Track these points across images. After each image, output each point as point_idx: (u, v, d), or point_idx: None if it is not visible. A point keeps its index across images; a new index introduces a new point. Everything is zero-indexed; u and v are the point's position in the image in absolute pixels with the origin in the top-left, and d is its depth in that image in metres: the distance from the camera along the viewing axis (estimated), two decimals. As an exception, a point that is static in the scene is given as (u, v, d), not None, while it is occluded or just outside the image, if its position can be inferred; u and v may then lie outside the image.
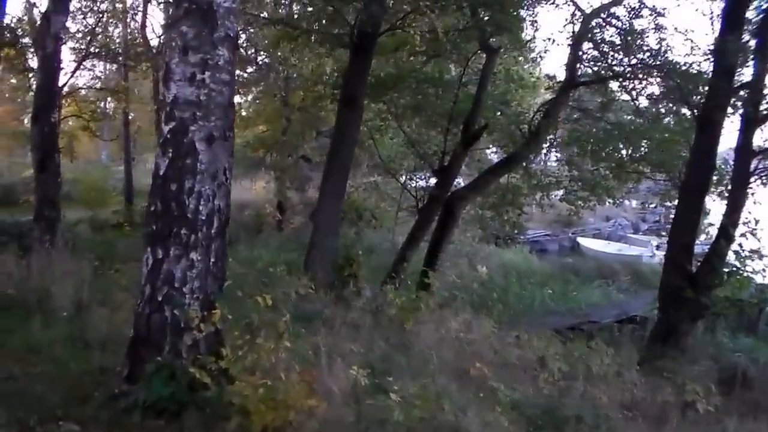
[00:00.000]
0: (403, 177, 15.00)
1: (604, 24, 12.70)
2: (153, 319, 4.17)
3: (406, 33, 11.13)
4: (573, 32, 12.49)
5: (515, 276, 15.06)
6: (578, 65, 13.02)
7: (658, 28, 11.60)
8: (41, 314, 6.80)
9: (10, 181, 20.70)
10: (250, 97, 24.93)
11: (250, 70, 22.76)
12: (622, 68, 12.58)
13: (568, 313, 11.91)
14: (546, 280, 15.18)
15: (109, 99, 20.22)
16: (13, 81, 27.29)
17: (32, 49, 16.94)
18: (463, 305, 8.61)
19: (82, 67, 17.23)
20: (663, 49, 11.54)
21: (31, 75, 17.29)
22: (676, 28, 12.89)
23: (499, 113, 12.85)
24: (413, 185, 12.53)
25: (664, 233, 35.13)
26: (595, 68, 13.14)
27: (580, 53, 12.97)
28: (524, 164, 12.88)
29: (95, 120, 18.09)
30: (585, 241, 26.12)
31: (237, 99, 26.10)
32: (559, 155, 14.52)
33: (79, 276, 8.10)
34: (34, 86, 17.60)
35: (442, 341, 6.24)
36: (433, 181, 14.17)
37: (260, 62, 22.45)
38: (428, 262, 11.65)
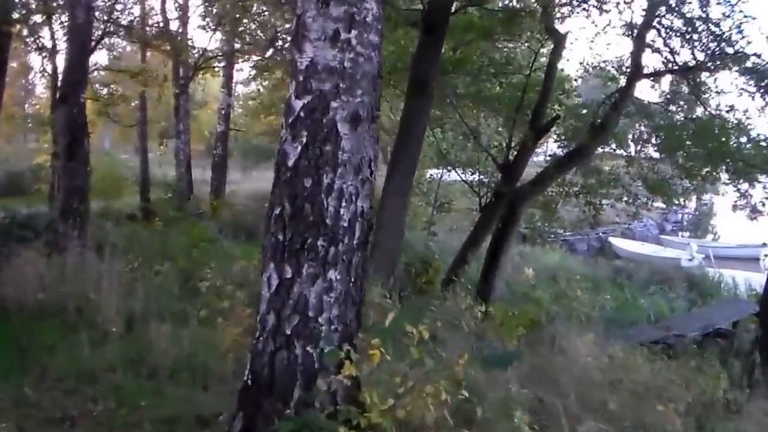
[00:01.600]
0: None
1: (671, 11, 11.72)
2: (278, 359, 3.15)
3: (477, 12, 10.09)
4: (631, 21, 11.49)
5: (565, 280, 14.09)
6: (643, 54, 12.05)
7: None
8: (85, 328, 5.79)
9: (18, 168, 19.62)
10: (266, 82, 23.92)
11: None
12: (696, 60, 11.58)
13: (644, 324, 10.93)
14: (599, 285, 14.18)
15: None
16: (13, 65, 26.21)
17: (47, 27, 15.89)
18: (548, 316, 7.61)
19: (99, 46, 16.12)
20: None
21: (44, 55, 16.21)
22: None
23: (561, 106, 11.83)
24: (475, 180, 11.49)
25: (686, 233, 34.45)
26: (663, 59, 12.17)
27: (647, 42, 11.98)
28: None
29: (113, 104, 17.00)
30: (617, 242, 25.07)
31: (254, 86, 25.13)
32: (621, 151, 13.50)
33: (119, 280, 7.09)
34: (48, 67, 16.59)
35: (573, 367, 5.23)
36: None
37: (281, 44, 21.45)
38: (489, 265, 10.67)
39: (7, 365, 5.07)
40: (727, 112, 10.89)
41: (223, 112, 20.19)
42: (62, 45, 16.05)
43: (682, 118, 12.40)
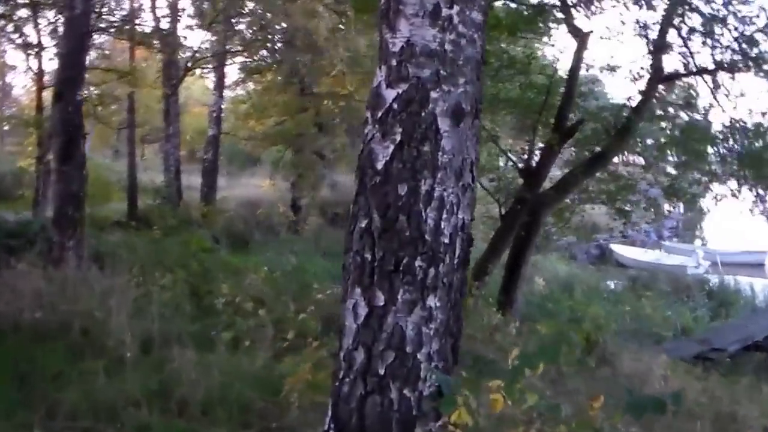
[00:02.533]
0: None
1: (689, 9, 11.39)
2: (370, 405, 2.61)
3: (503, 7, 9.65)
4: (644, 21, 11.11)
5: (579, 290, 13.71)
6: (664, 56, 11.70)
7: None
8: (94, 352, 5.20)
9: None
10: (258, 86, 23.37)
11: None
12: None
13: (674, 337, 10.53)
14: (617, 296, 13.77)
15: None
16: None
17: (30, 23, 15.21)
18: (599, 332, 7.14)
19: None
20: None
21: (30, 52, 15.49)
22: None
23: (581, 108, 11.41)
24: (493, 186, 11.00)
25: (677, 239, 34.30)
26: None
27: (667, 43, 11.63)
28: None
29: (102, 105, 16.27)
30: (619, 249, 24.73)
31: (239, 90, 24.43)
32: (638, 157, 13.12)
33: (124, 294, 6.50)
34: (34, 65, 15.87)
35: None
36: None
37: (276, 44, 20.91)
38: (510, 276, 10.20)
39: (8, 398, 4.47)
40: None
41: (214, 114, 19.58)
42: (47, 41, 15.43)
43: (703, 121, 12.10)
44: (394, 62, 2.69)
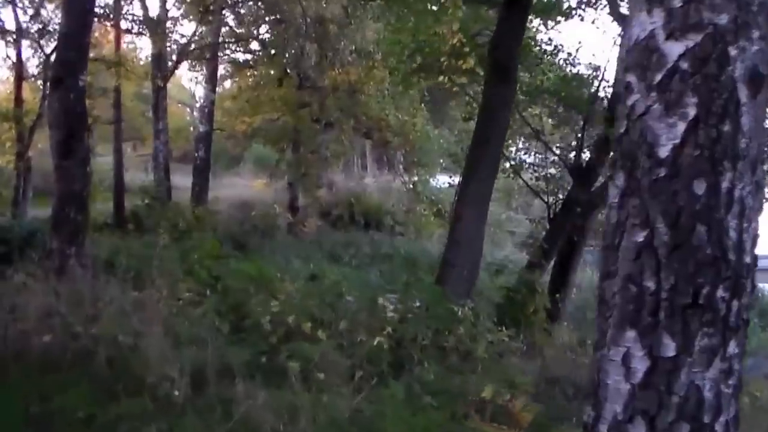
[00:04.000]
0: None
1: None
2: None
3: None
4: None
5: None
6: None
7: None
8: (127, 388, 4.31)
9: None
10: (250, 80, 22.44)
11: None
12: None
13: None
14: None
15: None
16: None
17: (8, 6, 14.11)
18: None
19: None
20: None
21: (7, 40, 14.38)
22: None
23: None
24: (540, 186, 10.24)
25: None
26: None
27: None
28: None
29: (90, 98, 15.13)
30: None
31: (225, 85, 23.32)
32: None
33: (152, 313, 5.63)
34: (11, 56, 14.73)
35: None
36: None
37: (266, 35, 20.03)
38: (557, 283, 9.48)
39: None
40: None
41: (206, 110, 18.57)
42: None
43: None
44: (677, 2, 1.89)
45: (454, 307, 6.15)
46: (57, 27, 14.45)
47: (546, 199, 10.09)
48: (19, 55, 14.47)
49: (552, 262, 9.56)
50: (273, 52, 19.78)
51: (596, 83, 10.00)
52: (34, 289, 6.32)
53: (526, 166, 10.66)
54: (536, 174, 10.62)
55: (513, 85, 7.75)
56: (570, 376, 5.24)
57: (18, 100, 14.52)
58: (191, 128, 31.62)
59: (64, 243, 7.32)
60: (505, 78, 7.49)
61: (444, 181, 21.84)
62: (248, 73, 21.63)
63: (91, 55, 15.54)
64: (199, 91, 20.39)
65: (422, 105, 18.95)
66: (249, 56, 21.01)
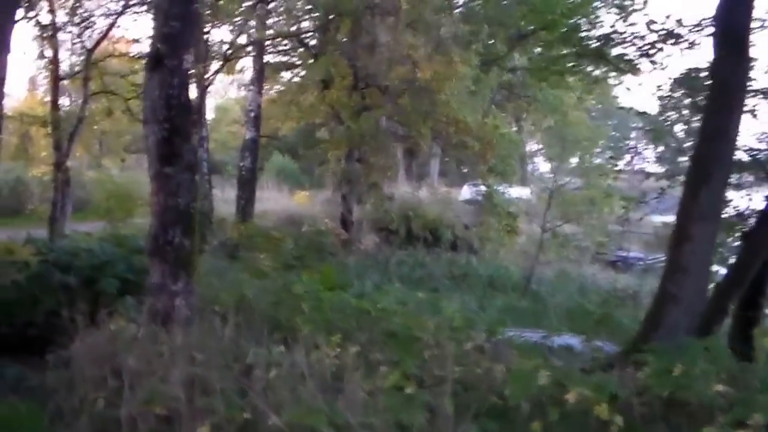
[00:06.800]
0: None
1: None
2: None
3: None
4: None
5: None
6: None
7: None
8: None
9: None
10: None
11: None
12: None
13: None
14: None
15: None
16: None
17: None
18: None
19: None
20: None
21: (43, 35, 12.64)
22: None
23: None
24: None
25: None
26: None
27: None
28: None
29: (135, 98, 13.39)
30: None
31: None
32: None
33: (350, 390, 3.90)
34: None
35: None
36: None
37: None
38: (747, 313, 7.65)
39: None
40: None
41: (252, 114, 16.81)
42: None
43: None
44: None
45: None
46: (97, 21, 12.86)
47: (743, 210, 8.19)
48: (55, 51, 12.77)
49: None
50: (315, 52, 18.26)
51: None
52: (140, 345, 4.59)
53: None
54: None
55: (747, 63, 6.06)
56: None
57: (55, 103, 12.82)
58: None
59: (168, 276, 5.56)
60: (738, 52, 5.80)
61: (517, 192, 20.19)
62: (289, 74, 20.07)
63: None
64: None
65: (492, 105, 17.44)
66: (294, 55, 19.46)
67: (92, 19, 12.70)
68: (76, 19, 12.55)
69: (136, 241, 7.56)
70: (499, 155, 16.08)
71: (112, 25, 12.74)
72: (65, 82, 13.42)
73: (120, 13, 12.77)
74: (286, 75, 21.62)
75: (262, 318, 5.59)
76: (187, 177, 5.75)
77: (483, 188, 17.11)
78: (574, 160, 21.28)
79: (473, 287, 14.52)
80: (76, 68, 13.32)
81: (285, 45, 19.58)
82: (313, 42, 18.72)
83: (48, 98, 13.38)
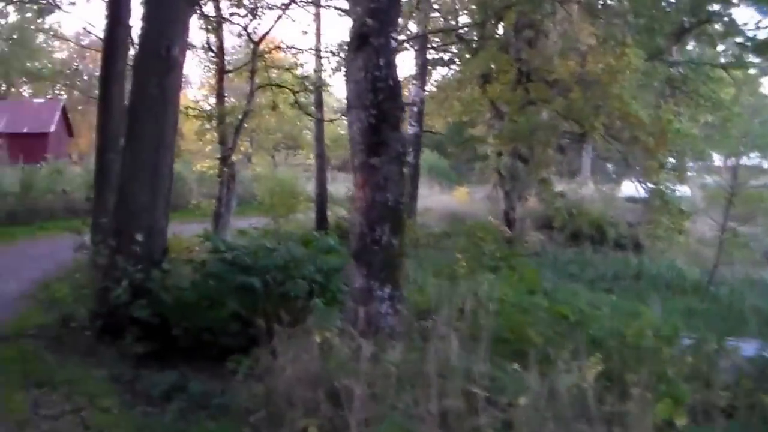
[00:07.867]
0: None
1: None
2: None
3: None
4: None
5: None
6: None
7: None
8: None
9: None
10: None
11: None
12: None
13: None
14: None
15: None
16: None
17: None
18: None
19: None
20: None
21: (208, 27, 12.53)
22: None
23: None
24: None
25: None
26: None
27: None
28: None
29: (305, 90, 13.04)
30: None
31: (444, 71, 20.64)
32: None
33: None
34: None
35: None
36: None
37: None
38: None
39: None
40: None
41: (415, 109, 16.16)
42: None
43: None
44: None
45: None
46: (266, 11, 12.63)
47: None
48: (220, 42, 12.68)
49: None
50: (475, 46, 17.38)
51: None
52: (372, 365, 3.88)
53: None
54: None
55: None
56: None
57: (220, 96, 12.75)
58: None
59: (374, 281, 4.87)
60: None
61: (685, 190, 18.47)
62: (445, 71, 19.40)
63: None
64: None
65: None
66: (450, 51, 18.76)
67: (259, 10, 12.35)
68: (242, 11, 12.32)
69: (326, 241, 6.94)
70: (676, 151, 14.74)
71: (279, 17, 12.43)
72: (230, 75, 13.29)
73: (287, 5, 12.43)
74: (441, 71, 20.94)
75: (478, 329, 4.70)
76: (395, 169, 5.07)
77: (650, 185, 15.63)
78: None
79: (649, 288, 13.17)
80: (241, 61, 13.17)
81: (437, 42, 18.82)
82: (470, 37, 17.98)
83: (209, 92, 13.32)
